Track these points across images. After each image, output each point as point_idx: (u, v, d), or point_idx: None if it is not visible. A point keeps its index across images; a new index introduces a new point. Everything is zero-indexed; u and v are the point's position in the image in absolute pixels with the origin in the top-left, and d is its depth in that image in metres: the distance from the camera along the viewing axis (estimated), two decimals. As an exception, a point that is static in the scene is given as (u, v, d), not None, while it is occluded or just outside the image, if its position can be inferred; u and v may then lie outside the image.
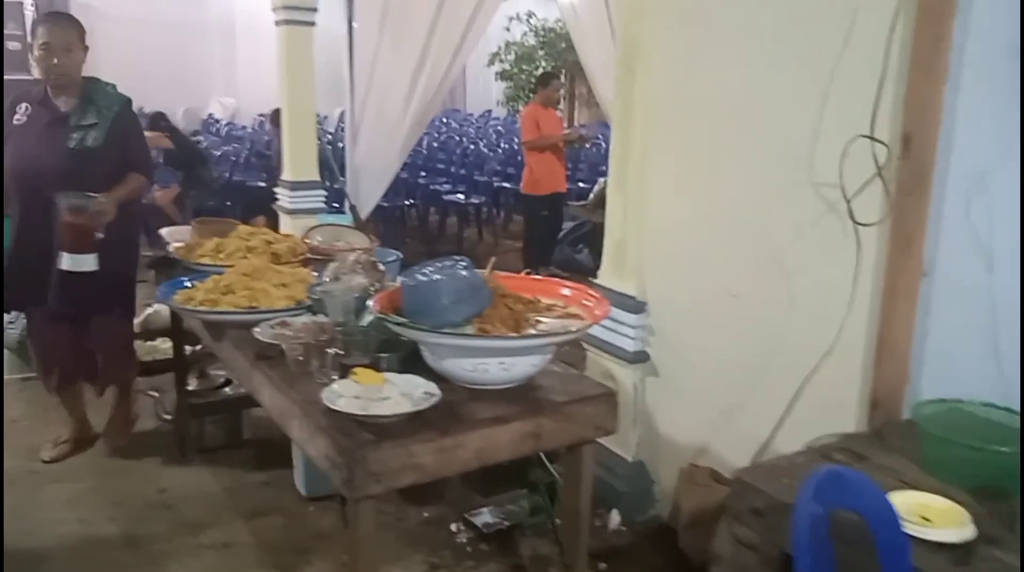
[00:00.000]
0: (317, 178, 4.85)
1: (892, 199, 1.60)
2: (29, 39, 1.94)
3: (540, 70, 11.20)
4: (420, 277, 1.47)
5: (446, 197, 6.63)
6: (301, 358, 1.58)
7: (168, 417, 2.96)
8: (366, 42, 5.31)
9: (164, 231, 4.67)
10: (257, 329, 1.77)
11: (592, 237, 5.69)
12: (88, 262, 2.32)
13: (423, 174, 7.27)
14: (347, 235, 2.37)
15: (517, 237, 6.94)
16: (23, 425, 3.07)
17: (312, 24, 4.59)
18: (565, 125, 7.95)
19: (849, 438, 1.48)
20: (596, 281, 2.40)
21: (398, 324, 1.46)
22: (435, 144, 8.16)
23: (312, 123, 4.81)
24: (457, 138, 8.41)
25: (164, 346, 3.71)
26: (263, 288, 1.98)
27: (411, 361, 1.56)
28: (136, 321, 4.00)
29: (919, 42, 1.53)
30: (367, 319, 1.69)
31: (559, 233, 5.55)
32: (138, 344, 3.71)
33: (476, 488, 2.43)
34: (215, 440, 2.80)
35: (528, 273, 3.65)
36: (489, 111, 12.99)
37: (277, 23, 4.57)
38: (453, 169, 7.34)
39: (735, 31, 1.89)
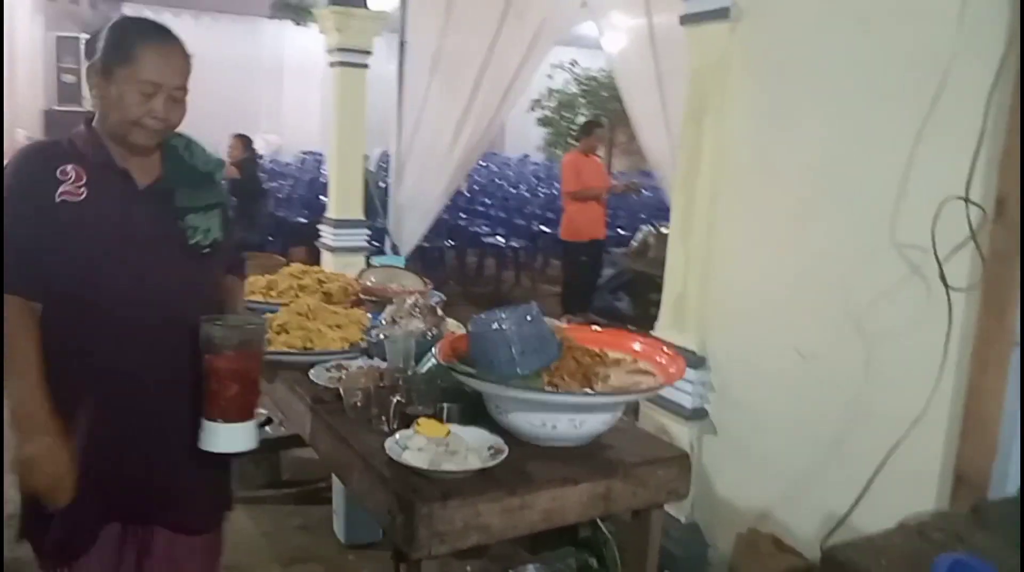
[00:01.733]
0: (361, 217, 4.90)
1: (986, 264, 1.53)
2: (98, 64, 1.33)
3: (581, 118, 11.35)
4: (487, 325, 1.43)
5: (485, 239, 6.65)
6: (360, 404, 1.54)
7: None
8: (416, 85, 5.42)
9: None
10: (313, 372, 1.74)
11: (632, 286, 5.63)
12: (248, 436, 1.36)
13: (463, 215, 7.32)
14: (401, 277, 2.35)
15: (555, 281, 6.92)
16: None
17: (366, 67, 4.69)
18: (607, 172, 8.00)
19: (944, 517, 1.39)
20: (653, 333, 2.34)
21: (464, 374, 1.41)
22: (475, 187, 8.24)
23: (360, 163, 4.89)
24: (497, 181, 8.48)
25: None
26: (318, 329, 1.96)
27: (472, 412, 1.51)
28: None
29: (1017, 101, 1.48)
30: (426, 365, 1.65)
31: (598, 280, 5.51)
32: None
33: (521, 543, 2.34)
34: (254, 481, 2.76)
35: (568, 320, 3.60)
36: (527, 155, 13.14)
37: (332, 64, 4.68)
38: (493, 212, 7.38)
39: (820, 87, 1.86)
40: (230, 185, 6.35)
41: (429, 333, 1.84)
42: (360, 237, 4.87)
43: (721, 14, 2.02)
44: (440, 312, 1.90)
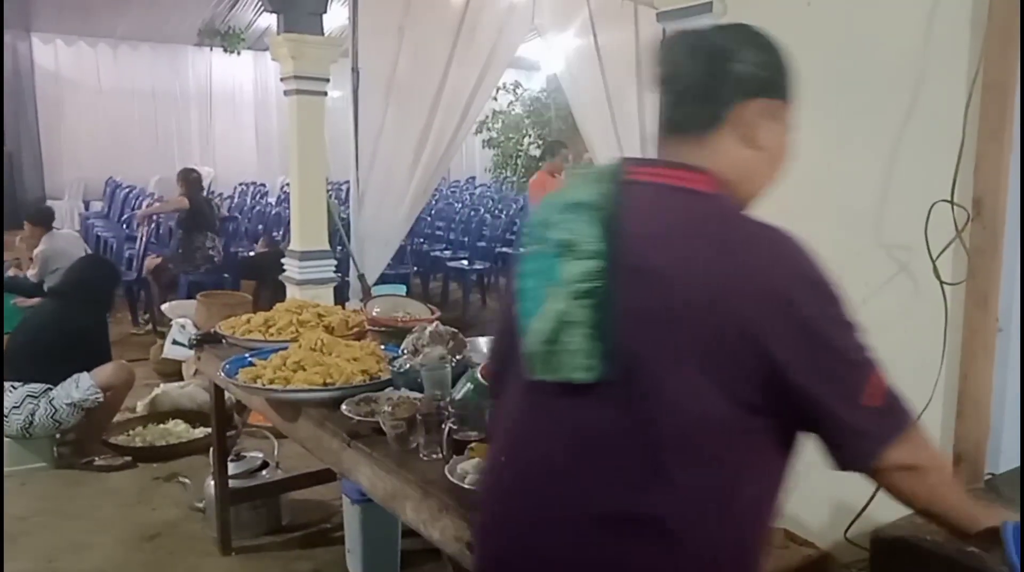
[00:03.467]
0: (327, 247, 4.93)
1: (970, 259, 1.73)
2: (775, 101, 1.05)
3: (527, 139, 11.60)
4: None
5: (450, 264, 6.74)
6: (404, 434, 1.62)
7: (200, 506, 2.91)
8: (371, 113, 5.49)
9: (166, 307, 4.71)
10: (345, 407, 1.81)
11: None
12: None
13: (421, 240, 7.40)
14: (405, 305, 2.43)
15: (519, 302, 7.06)
16: (34, 522, 2.98)
17: (324, 94, 4.76)
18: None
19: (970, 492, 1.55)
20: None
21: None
22: (431, 211, 8.33)
23: (322, 193, 4.92)
24: (456, 205, 8.59)
25: (177, 429, 3.68)
26: (335, 363, 2.02)
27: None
28: (142, 403, 3.97)
29: (986, 112, 1.70)
30: (462, 391, 1.74)
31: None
32: (150, 428, 3.68)
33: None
34: (254, 528, 2.76)
35: None
36: (473, 177, 13.31)
37: (286, 93, 4.72)
38: (452, 235, 7.48)
39: (806, 96, 2.04)
40: (181, 218, 6.27)
41: (453, 358, 1.93)
42: (327, 268, 4.89)
43: (703, 8, 2.10)
44: (461, 336, 1.99)
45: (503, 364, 1.15)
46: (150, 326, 5.77)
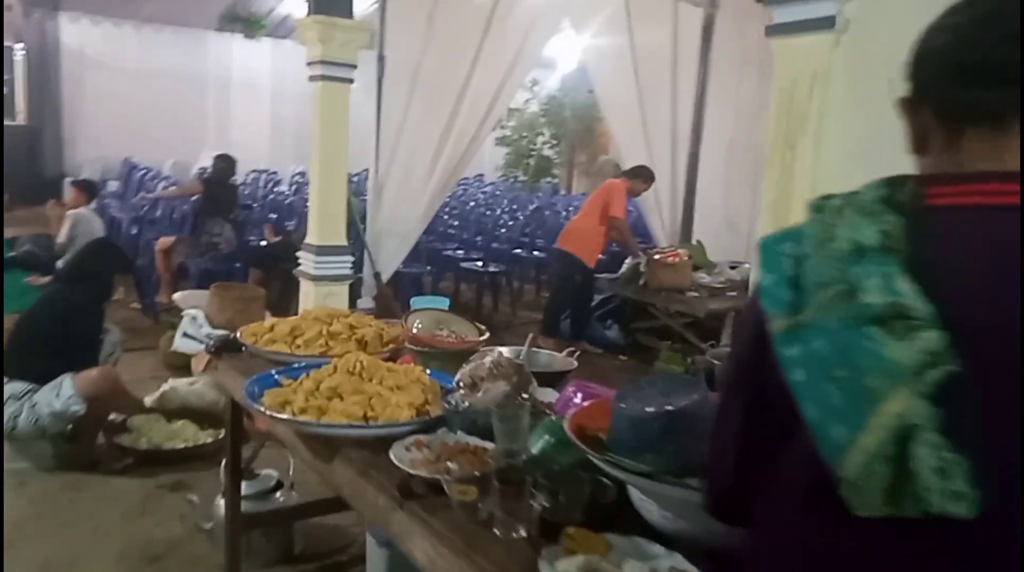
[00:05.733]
0: (344, 242, 4.51)
1: None
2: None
3: (541, 138, 11.16)
4: (652, 405, 1.13)
5: (463, 264, 6.32)
6: (471, 502, 1.21)
7: (208, 527, 2.49)
8: (395, 103, 5.08)
9: (177, 296, 4.26)
10: (393, 453, 1.40)
11: (621, 312, 5.41)
12: None
13: (431, 237, 6.97)
14: (448, 321, 2.02)
15: (534, 307, 6.64)
16: (30, 528, 2.58)
17: (350, 81, 4.32)
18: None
19: None
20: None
21: (635, 473, 1.09)
22: (446, 209, 7.91)
23: (343, 185, 4.49)
24: (470, 203, 8.14)
25: (185, 431, 3.26)
26: (377, 392, 1.61)
27: (599, 508, 1.20)
28: (149, 399, 3.54)
29: None
30: (539, 444, 1.34)
31: (590, 305, 5.25)
32: (156, 427, 3.26)
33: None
34: (265, 556, 2.36)
35: (571, 351, 3.32)
36: (481, 175, 12.87)
37: (312, 78, 4.29)
38: (466, 235, 7.05)
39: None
40: (196, 204, 5.83)
41: (520, 399, 1.52)
42: (344, 265, 4.47)
43: (824, 24, 1.79)
44: (526, 369, 1.58)
45: (744, 480, 0.74)
46: (149, 312, 5.32)
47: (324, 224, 4.40)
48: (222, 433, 3.30)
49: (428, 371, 1.77)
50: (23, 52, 10.52)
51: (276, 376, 1.75)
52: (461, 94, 5.30)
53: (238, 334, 2.08)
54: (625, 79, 5.80)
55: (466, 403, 1.50)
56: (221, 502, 2.34)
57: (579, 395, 1.55)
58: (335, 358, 1.74)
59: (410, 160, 5.20)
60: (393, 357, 1.98)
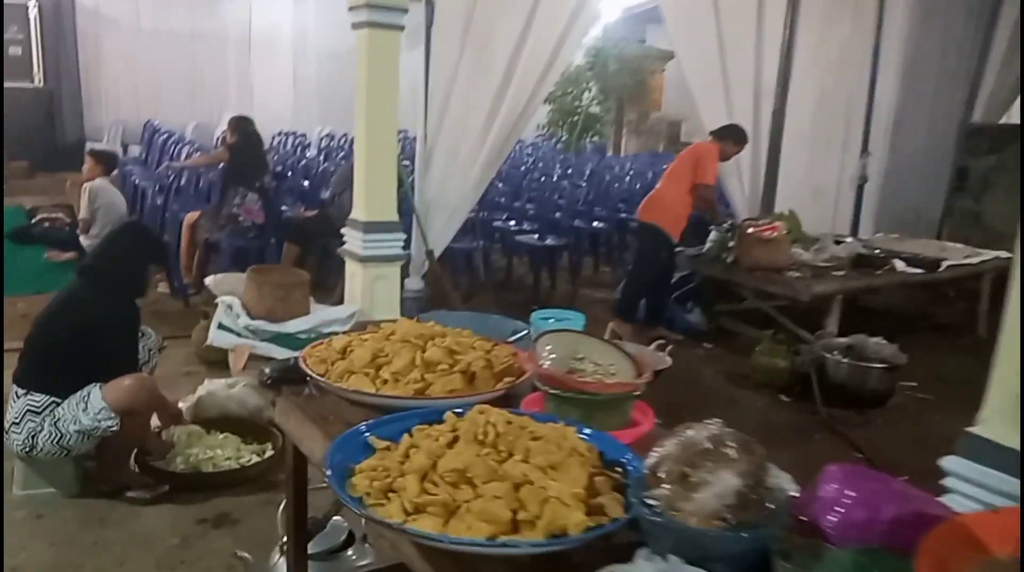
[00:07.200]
0: (395, 218, 3.96)
1: None
2: None
3: (587, 94, 10.41)
4: None
5: (519, 238, 5.75)
6: None
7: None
8: (445, 56, 4.48)
9: (210, 280, 3.77)
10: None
11: (701, 293, 4.83)
12: None
13: (479, 208, 6.40)
14: (586, 348, 1.47)
15: (593, 284, 6.08)
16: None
17: (401, 28, 3.72)
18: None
19: None
20: (971, 430, 1.52)
21: None
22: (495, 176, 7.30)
23: (393, 151, 3.93)
24: (520, 168, 7.49)
25: (227, 448, 2.78)
26: (524, 475, 1.08)
27: None
28: (184, 405, 3.09)
29: None
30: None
31: (670, 285, 4.67)
32: (194, 441, 2.80)
33: None
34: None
35: (658, 343, 2.76)
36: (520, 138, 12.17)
37: (355, 26, 3.69)
38: (518, 204, 6.46)
39: None
40: (223, 173, 5.33)
41: (754, 496, 0.99)
42: (396, 244, 3.93)
43: None
44: (758, 446, 1.04)
45: None
46: (179, 295, 4.85)
47: (373, 197, 3.86)
48: (268, 449, 2.83)
49: (579, 431, 1.24)
50: (36, 9, 10.00)
51: (366, 435, 1.24)
52: (519, 45, 4.67)
53: (301, 360, 1.56)
54: (704, 25, 5.14)
55: (669, 510, 0.97)
56: (280, 563, 1.85)
57: (849, 492, 1.00)
58: (451, 418, 1.21)
59: (462, 121, 4.62)
60: (504, 402, 1.45)
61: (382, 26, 3.65)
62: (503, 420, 1.18)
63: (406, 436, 1.21)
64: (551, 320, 1.61)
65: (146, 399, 2.43)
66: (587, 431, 1.23)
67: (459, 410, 1.27)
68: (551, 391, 1.38)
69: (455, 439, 1.17)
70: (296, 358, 1.60)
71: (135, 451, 2.64)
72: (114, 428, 2.37)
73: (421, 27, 4.31)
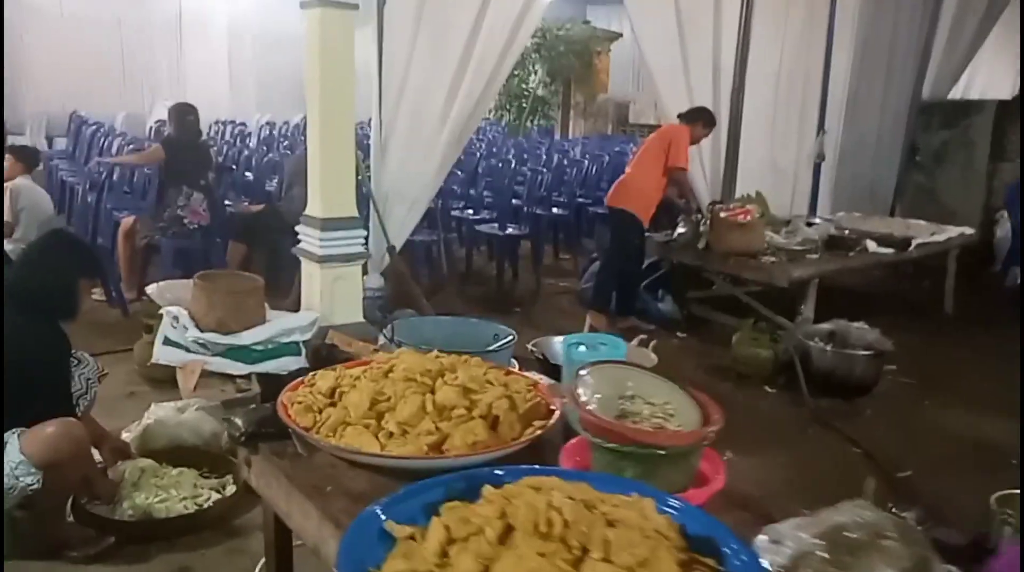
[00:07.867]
0: (355, 213, 3.61)
1: None
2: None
3: (533, 76, 10.10)
4: None
5: (479, 228, 5.44)
6: None
7: None
8: (399, 36, 4.11)
9: (152, 289, 3.34)
10: None
11: (671, 281, 4.64)
12: None
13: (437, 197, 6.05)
14: (635, 382, 1.21)
15: (555, 273, 5.84)
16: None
17: (355, 7, 3.35)
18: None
19: None
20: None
21: None
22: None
23: (351, 141, 3.56)
24: (475, 155, 7.13)
25: (182, 487, 2.42)
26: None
27: None
28: (128, 435, 2.70)
29: None
30: None
31: (642, 273, 4.46)
32: (143, 483, 2.42)
33: None
34: None
35: (641, 340, 2.57)
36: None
37: (304, 5, 3.31)
38: (474, 191, 6.14)
39: None
40: (160, 171, 4.83)
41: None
42: (356, 241, 3.59)
43: None
44: (920, 532, 0.80)
45: None
46: (116, 304, 4.37)
47: (329, 191, 3.50)
48: (229, 482, 2.49)
49: (661, 504, 0.97)
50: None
51: (382, 516, 0.94)
52: (477, 22, 4.33)
53: (280, 410, 1.25)
54: (663, 5, 4.92)
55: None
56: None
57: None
58: (492, 496, 0.93)
59: (419, 106, 4.27)
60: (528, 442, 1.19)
61: (335, 4, 3.29)
62: (568, 502, 0.90)
63: (435, 520, 0.92)
64: (583, 347, 1.33)
65: (72, 451, 2.01)
66: (673, 503, 0.96)
67: (499, 472, 1.00)
68: (605, 445, 1.11)
69: (506, 528, 0.89)
70: (272, 406, 1.28)
71: (72, 498, 2.24)
72: (35, 485, 1.97)
73: (372, 6, 3.92)
